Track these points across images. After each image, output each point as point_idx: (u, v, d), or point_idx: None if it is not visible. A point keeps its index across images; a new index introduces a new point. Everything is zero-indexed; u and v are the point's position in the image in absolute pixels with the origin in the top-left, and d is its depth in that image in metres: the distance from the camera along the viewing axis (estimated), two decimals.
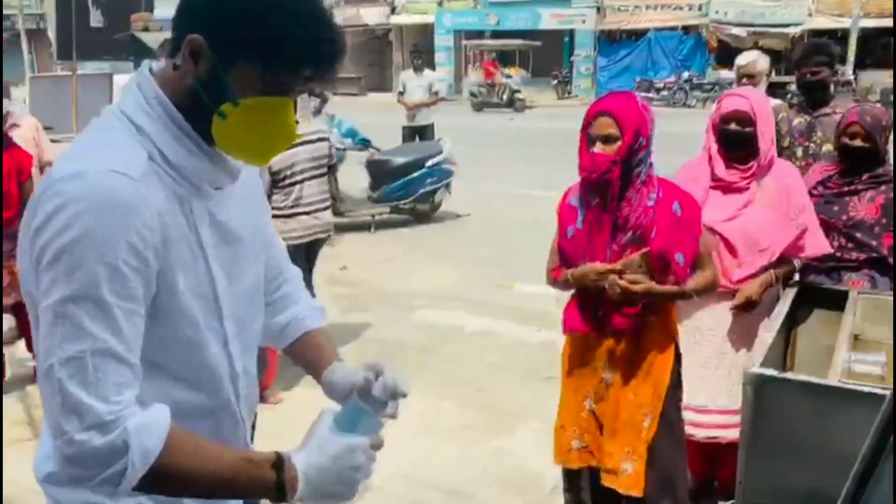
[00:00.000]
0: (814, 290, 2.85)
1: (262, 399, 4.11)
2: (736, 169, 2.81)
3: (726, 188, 2.81)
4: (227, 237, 1.24)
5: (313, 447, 1.15)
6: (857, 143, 2.91)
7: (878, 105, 3.15)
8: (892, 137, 2.97)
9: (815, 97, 3.72)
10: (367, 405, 1.25)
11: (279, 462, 1.12)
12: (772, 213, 2.76)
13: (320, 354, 1.47)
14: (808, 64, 3.66)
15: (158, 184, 1.12)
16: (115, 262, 1.04)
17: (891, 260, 2.87)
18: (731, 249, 2.77)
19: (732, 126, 2.78)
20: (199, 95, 1.14)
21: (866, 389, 1.94)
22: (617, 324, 2.43)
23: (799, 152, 3.72)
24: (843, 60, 20.44)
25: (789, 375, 2.16)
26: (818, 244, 2.84)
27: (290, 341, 1.49)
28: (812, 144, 3.66)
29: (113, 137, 1.13)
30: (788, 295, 2.75)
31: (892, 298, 2.61)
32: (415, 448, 3.52)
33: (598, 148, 2.33)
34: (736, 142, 2.79)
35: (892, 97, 15.04)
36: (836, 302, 2.67)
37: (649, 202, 2.38)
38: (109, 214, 1.03)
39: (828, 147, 3.55)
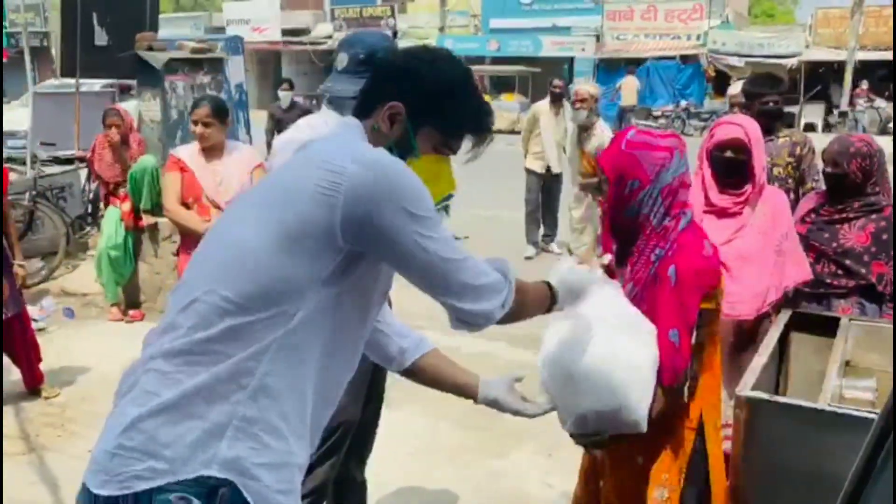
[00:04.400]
0: (806, 316, 2.88)
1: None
2: (730, 194, 2.87)
3: (720, 213, 2.87)
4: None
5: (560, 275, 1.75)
6: (828, 169, 3.02)
7: (864, 135, 3.24)
8: (883, 165, 3.03)
9: (767, 126, 3.87)
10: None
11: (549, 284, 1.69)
12: (764, 238, 2.84)
13: (451, 374, 2.03)
14: (759, 96, 3.83)
15: None
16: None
17: (880, 288, 2.91)
18: (727, 270, 2.78)
19: (728, 153, 2.84)
20: (389, 151, 1.40)
21: (856, 414, 1.96)
22: None
23: None
24: (839, 92, 20.68)
25: (781, 399, 2.19)
26: (800, 271, 2.90)
27: (410, 363, 1.90)
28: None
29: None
30: (780, 321, 2.78)
31: (882, 325, 2.64)
32: (411, 468, 3.52)
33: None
34: (731, 169, 2.85)
35: (891, 124, 15.16)
36: (828, 328, 2.70)
37: (653, 257, 1.99)
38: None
39: (777, 170, 3.74)
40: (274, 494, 1.29)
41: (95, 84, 9.86)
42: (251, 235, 1.30)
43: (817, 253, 3.02)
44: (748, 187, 2.86)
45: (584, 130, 5.18)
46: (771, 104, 3.85)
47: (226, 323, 1.27)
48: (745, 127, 2.87)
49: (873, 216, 2.95)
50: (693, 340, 1.94)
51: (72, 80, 7.51)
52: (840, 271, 2.98)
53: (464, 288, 1.40)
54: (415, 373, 1.87)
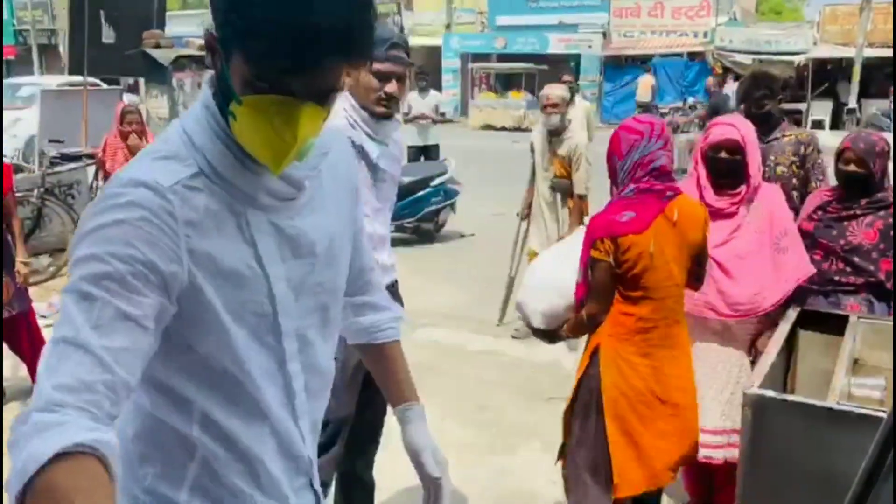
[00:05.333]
0: (814, 314, 2.87)
1: None
2: (725, 195, 2.87)
3: (716, 214, 2.84)
4: (299, 251, 1.20)
5: None
6: (851, 168, 2.95)
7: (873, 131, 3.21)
8: (891, 163, 3.01)
9: (763, 128, 3.87)
10: None
11: None
12: (760, 237, 2.83)
13: (397, 379, 1.55)
14: (751, 98, 3.81)
15: (207, 198, 1.10)
16: (118, 266, 1.00)
17: (889, 285, 2.90)
18: (727, 273, 2.82)
19: (722, 154, 2.83)
20: (216, 94, 1.12)
21: (864, 412, 1.96)
22: None
23: None
24: (846, 89, 20.59)
25: (789, 397, 2.18)
26: (802, 267, 2.87)
27: (364, 343, 1.55)
28: (766, 169, 3.81)
29: (162, 150, 1.11)
30: (788, 318, 2.77)
31: (891, 323, 2.63)
32: None
33: None
34: (726, 169, 2.85)
35: (890, 120, 15.06)
36: (836, 326, 2.69)
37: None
38: (127, 224, 1.02)
39: (780, 169, 3.73)
40: None
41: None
42: None
43: (825, 250, 3.00)
44: (743, 188, 2.85)
45: (556, 135, 5.10)
46: (754, 109, 3.82)
47: None
48: (739, 127, 2.85)
49: (881, 213, 2.93)
50: (590, 280, 2.45)
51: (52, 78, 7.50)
52: (848, 268, 2.96)
53: (38, 395, 0.96)
54: (372, 355, 1.57)
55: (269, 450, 1.23)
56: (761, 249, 2.82)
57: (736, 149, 2.81)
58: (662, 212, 2.37)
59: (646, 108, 20.06)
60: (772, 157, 3.82)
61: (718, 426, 2.82)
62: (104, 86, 7.91)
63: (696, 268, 2.55)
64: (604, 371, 2.43)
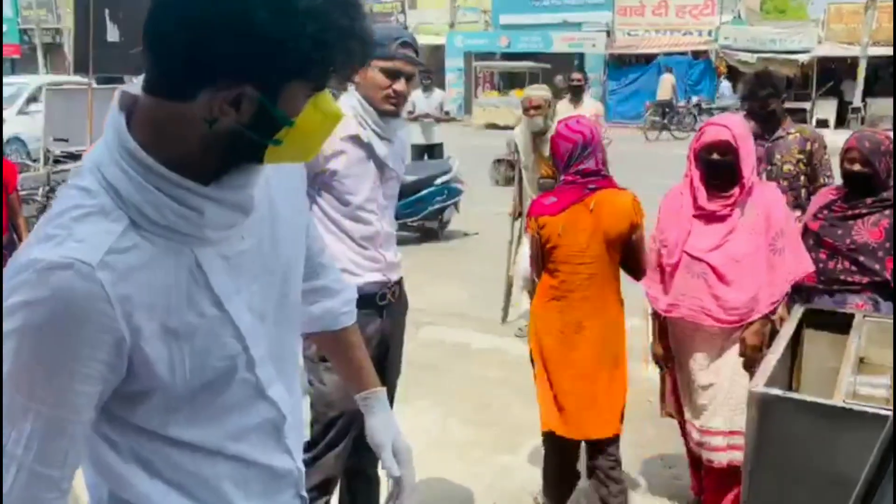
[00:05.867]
0: (819, 312, 2.86)
1: None
2: (718, 197, 2.82)
3: (709, 217, 2.83)
4: (251, 273, 1.12)
5: None
6: (856, 167, 2.95)
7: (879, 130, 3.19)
8: (893, 162, 3.00)
9: (767, 127, 3.88)
10: None
11: None
12: (756, 238, 2.79)
13: (356, 366, 1.51)
14: (755, 98, 3.82)
15: (147, 252, 0.99)
16: (45, 367, 0.94)
17: (893, 284, 2.89)
18: (722, 277, 2.79)
19: (714, 156, 2.78)
20: (242, 138, 0.99)
21: (869, 410, 1.95)
22: None
23: (762, 177, 3.82)
24: (851, 88, 20.52)
25: (794, 395, 2.19)
26: (800, 266, 2.84)
27: (320, 331, 1.50)
28: (773, 167, 3.83)
29: (84, 206, 0.97)
30: (794, 317, 2.76)
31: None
32: (420, 464, 3.49)
33: None
34: (718, 171, 2.80)
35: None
36: (842, 325, 2.69)
37: None
38: (49, 316, 0.92)
39: (787, 167, 3.75)
40: None
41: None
42: None
43: (831, 249, 3.00)
44: (736, 189, 2.80)
45: (540, 136, 5.09)
46: (758, 108, 3.84)
47: None
48: (731, 127, 2.79)
49: (886, 212, 2.92)
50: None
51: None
52: (854, 267, 2.95)
53: None
54: (329, 343, 1.53)
55: (254, 493, 1.18)
56: (757, 252, 2.78)
57: (728, 149, 2.76)
58: (582, 200, 2.73)
59: (667, 105, 20.19)
60: (778, 156, 3.82)
61: (718, 427, 2.84)
62: (95, 84, 7.91)
63: (629, 259, 2.79)
64: (531, 325, 2.99)
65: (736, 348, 2.83)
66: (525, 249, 3.57)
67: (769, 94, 3.78)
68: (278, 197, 1.19)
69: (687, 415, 3.02)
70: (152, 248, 0.99)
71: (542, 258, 2.84)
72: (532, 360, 2.96)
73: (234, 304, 1.08)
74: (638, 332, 3.47)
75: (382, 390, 1.50)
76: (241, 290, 1.09)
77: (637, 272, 2.84)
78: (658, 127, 19.41)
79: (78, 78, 9.82)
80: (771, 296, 2.78)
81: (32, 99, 12.08)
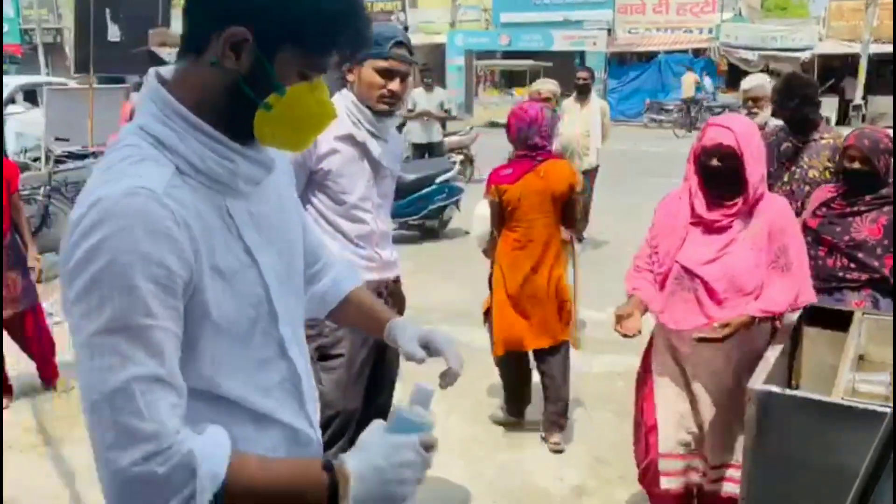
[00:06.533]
0: (819, 310, 2.86)
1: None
2: (718, 207, 2.55)
3: (708, 227, 2.56)
4: (272, 236, 1.20)
5: (363, 449, 1.11)
6: (856, 165, 2.94)
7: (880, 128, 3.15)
8: (891, 159, 3.00)
9: (798, 128, 3.75)
10: (413, 411, 1.20)
11: (329, 465, 1.08)
12: (757, 255, 2.52)
13: (373, 311, 1.52)
14: (787, 108, 3.70)
15: (190, 195, 1.07)
16: (145, 286, 0.98)
17: (892, 280, 2.89)
18: (712, 293, 2.54)
19: (714, 162, 2.50)
20: (240, 91, 1.08)
21: (868, 407, 1.96)
22: None
23: (785, 177, 3.76)
24: (852, 86, 20.49)
25: (793, 393, 2.18)
26: (802, 295, 2.53)
27: (332, 307, 1.52)
28: (798, 169, 3.69)
29: (134, 156, 1.06)
30: (793, 315, 2.76)
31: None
32: None
33: None
34: (718, 179, 2.52)
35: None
36: (841, 322, 2.69)
37: None
38: (133, 237, 0.97)
39: (813, 173, 3.62)
40: None
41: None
42: None
43: (829, 246, 3.00)
44: (739, 199, 2.52)
45: None
46: (790, 115, 3.72)
47: None
48: (735, 130, 2.47)
49: (885, 209, 2.92)
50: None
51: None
52: (852, 265, 2.95)
53: (110, 448, 0.99)
54: (342, 310, 1.54)
55: (281, 454, 1.21)
56: (756, 269, 2.51)
57: (730, 155, 2.47)
58: (533, 170, 3.44)
59: (692, 102, 20.34)
60: (805, 159, 3.68)
61: (716, 461, 2.68)
62: (96, 84, 7.90)
63: (566, 211, 3.56)
64: (494, 268, 3.68)
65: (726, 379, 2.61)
66: (480, 211, 3.83)
67: (801, 103, 3.64)
68: (281, 188, 1.28)
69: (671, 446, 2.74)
70: (195, 193, 1.08)
71: (503, 218, 3.53)
72: (491, 289, 3.72)
73: (261, 257, 1.16)
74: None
75: (398, 318, 1.50)
76: (262, 246, 1.17)
77: (569, 221, 3.61)
78: (686, 125, 19.45)
79: (51, 78, 9.87)
80: (765, 303, 2.51)
81: (10, 101, 11.94)
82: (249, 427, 1.17)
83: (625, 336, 2.52)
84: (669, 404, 2.72)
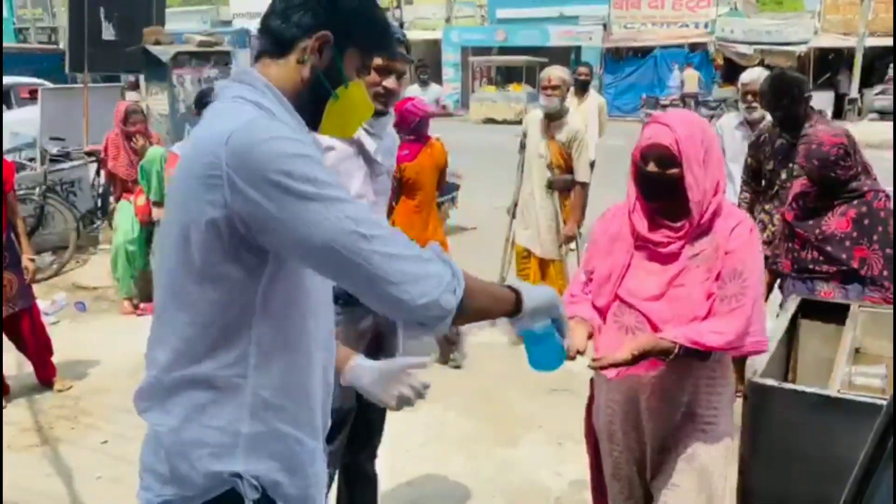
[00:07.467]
0: (815, 303, 2.88)
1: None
2: (663, 226, 2.04)
3: (652, 253, 2.06)
4: None
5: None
6: (815, 179, 3.04)
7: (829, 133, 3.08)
8: (858, 151, 3.05)
9: (790, 126, 3.76)
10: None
11: (513, 287, 1.44)
12: (710, 286, 1.99)
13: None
14: (778, 107, 3.70)
15: None
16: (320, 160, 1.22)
17: (863, 272, 2.96)
18: (656, 329, 2.02)
19: (651, 167, 1.98)
20: (318, 82, 1.35)
21: (865, 400, 1.97)
22: None
23: (783, 174, 3.78)
24: (848, 79, 20.50)
25: (790, 385, 2.19)
26: (755, 340, 1.99)
27: None
28: (794, 165, 3.67)
29: (264, 116, 1.25)
30: (790, 308, 2.77)
31: (891, 313, 2.63)
32: (420, 458, 3.54)
33: None
34: (657, 189, 2.00)
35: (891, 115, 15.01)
36: (838, 315, 2.70)
37: None
38: (294, 136, 1.21)
39: None
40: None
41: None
42: (171, 260, 1.29)
43: (802, 240, 3.11)
44: (685, 221, 1.99)
45: (555, 119, 4.90)
46: (779, 113, 3.73)
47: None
48: (674, 129, 1.95)
49: (854, 202, 3.01)
50: None
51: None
52: (822, 257, 3.05)
53: (405, 276, 1.20)
54: None
55: (316, 381, 1.44)
56: (705, 304, 1.99)
57: (668, 160, 1.95)
58: (423, 150, 4.45)
59: (688, 98, 20.36)
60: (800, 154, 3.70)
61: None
62: (48, 84, 7.85)
63: (440, 181, 4.69)
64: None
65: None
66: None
67: (791, 101, 3.64)
68: None
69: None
70: None
71: (401, 190, 4.42)
72: None
73: None
74: None
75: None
76: None
77: (441, 189, 4.81)
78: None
79: (39, 80, 9.92)
80: (695, 333, 1.94)
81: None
82: (305, 359, 1.40)
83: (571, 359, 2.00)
84: (618, 473, 2.26)
